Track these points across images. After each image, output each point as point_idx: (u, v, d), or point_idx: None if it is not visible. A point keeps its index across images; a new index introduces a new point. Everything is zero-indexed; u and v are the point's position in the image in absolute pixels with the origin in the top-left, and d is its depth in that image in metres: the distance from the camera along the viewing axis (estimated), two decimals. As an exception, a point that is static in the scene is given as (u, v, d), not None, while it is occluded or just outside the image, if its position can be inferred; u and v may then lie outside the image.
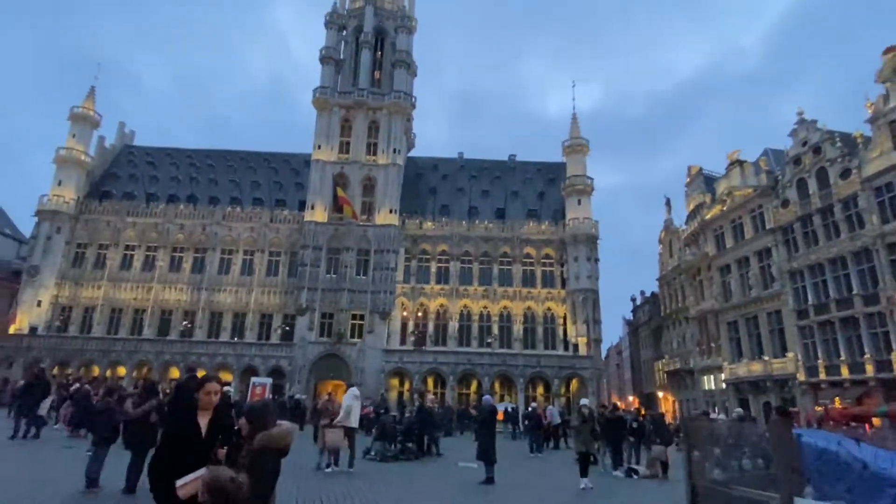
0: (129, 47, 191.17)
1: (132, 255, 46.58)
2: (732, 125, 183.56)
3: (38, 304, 44.65)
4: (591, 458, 10.37)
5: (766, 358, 33.40)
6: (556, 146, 55.53)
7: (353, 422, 11.09)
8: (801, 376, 30.98)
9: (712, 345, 39.87)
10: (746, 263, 35.95)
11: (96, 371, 42.81)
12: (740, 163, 37.34)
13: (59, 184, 47.01)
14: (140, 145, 56.90)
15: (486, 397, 11.25)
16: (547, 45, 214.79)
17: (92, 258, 46.39)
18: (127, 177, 51.91)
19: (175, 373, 43.15)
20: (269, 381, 20.75)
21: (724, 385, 37.51)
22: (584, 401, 9.78)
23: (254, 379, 20.44)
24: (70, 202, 46.63)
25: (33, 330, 44.07)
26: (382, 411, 15.40)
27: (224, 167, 53.30)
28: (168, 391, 12.31)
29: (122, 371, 43.40)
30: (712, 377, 39.93)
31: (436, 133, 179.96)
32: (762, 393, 33.71)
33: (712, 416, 15.55)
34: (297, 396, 23.41)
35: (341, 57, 52.31)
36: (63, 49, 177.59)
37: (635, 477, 12.51)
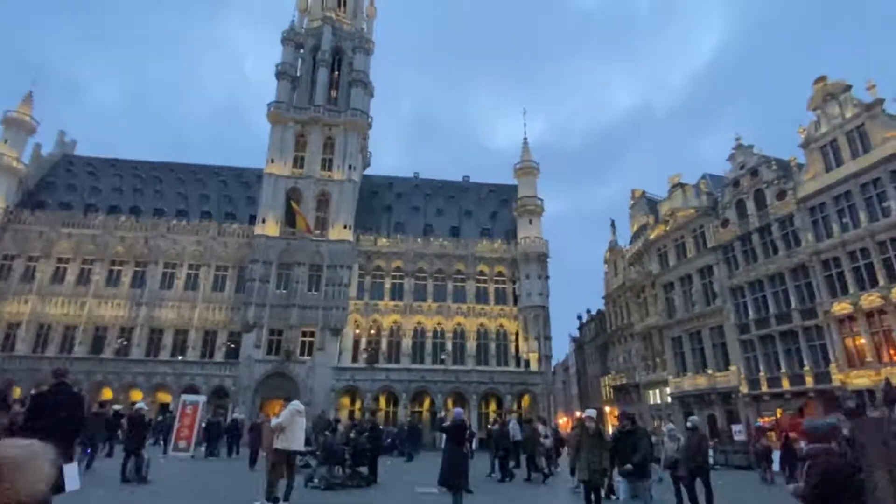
0: (74, 55, 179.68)
1: (65, 269, 41.77)
2: (662, 157, 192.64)
3: (-47, 319, 39.04)
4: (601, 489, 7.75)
5: (710, 371, 32.97)
6: (503, 172, 55.44)
7: (294, 442, 8.87)
8: (744, 389, 30.58)
9: (657, 360, 39.35)
10: (689, 281, 35.79)
11: (18, 393, 37.44)
12: (682, 185, 37.55)
13: (-14, 191, 41.88)
14: (81, 154, 52.10)
15: (458, 410, 9.28)
16: (494, 79, 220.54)
17: (19, 270, 41.25)
18: (65, 186, 47.12)
19: (108, 393, 38.54)
20: (202, 398, 17.92)
21: (669, 399, 36.87)
22: (589, 411, 7.97)
23: (184, 396, 17.58)
24: (-2, 210, 41.57)
25: (-54, 348, 38.38)
26: (328, 433, 13.00)
27: (172, 179, 49.40)
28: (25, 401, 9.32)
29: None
30: (658, 391, 39.29)
31: (389, 156, 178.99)
32: (707, 406, 33.17)
33: (668, 426, 14.07)
34: (236, 415, 20.39)
35: (298, 74, 50.09)
36: (1, 52, 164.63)
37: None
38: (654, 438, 16.79)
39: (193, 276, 42.70)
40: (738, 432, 28.25)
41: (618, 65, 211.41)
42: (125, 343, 40.35)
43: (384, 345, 42.12)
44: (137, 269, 42.43)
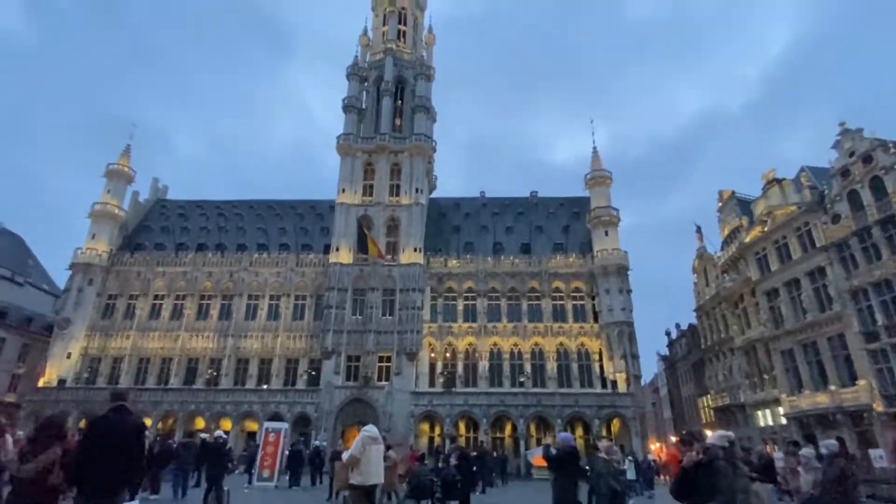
0: (164, 113, 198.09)
1: (160, 305, 44.53)
2: (738, 159, 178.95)
3: (68, 356, 42.49)
4: None
5: (833, 388, 28.71)
6: (568, 188, 53.26)
7: (371, 476, 7.49)
8: (879, 406, 26.22)
9: (765, 376, 35.12)
10: (797, 286, 31.80)
11: (84, 423, 39.82)
12: (778, 181, 33.88)
13: (93, 237, 45.87)
14: (172, 199, 56.19)
15: (564, 435, 7.86)
16: (551, 96, 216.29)
17: (122, 309, 44.47)
18: (159, 229, 50.76)
19: (200, 423, 40.01)
20: (284, 425, 17.57)
21: (783, 420, 32.56)
22: (722, 433, 5.54)
23: (267, 424, 17.34)
24: (103, 255, 45.28)
25: (62, 382, 41.72)
26: (441, 463, 11.71)
27: (252, 216, 51.89)
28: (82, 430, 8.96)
29: (147, 422, 40.34)
30: (768, 412, 34.96)
31: (451, 179, 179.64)
32: (832, 427, 28.74)
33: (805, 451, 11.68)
34: (317, 443, 19.76)
35: (363, 106, 51.44)
36: (101, 112, 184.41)
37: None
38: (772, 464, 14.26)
39: (275, 306, 44.00)
40: (880, 458, 24.01)
41: (680, 69, 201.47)
42: (215, 374, 41.97)
43: (460, 368, 40.92)
44: (224, 301, 44.38)
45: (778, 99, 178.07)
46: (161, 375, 42.35)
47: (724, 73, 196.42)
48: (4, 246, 52.00)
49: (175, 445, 14.45)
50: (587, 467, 11.93)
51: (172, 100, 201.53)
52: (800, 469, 12.68)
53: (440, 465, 11.78)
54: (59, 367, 42.13)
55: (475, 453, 12.75)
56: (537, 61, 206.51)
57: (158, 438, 13.95)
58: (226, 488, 11.21)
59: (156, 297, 44.82)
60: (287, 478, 19.86)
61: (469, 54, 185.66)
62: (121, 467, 4.59)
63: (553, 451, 7.44)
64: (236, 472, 28.67)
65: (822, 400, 29.16)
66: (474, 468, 12.25)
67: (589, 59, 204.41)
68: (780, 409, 32.81)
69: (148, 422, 39.99)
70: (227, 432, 39.49)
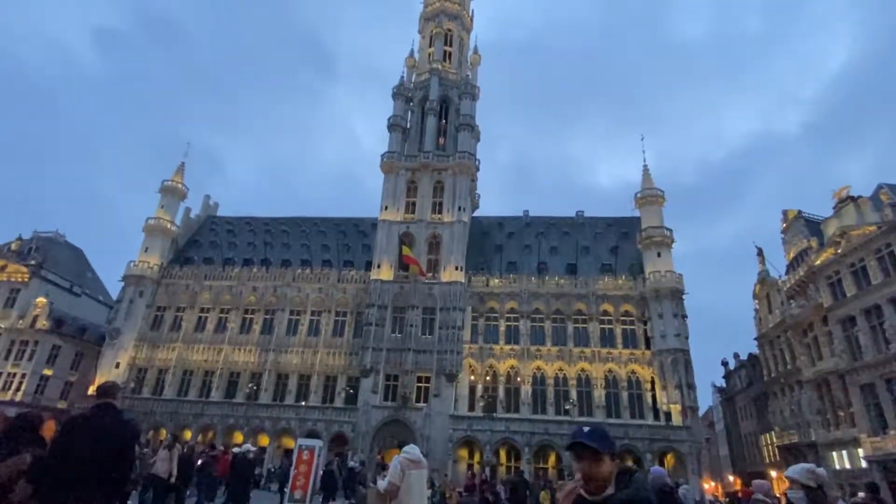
0: (218, 136, 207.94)
1: (206, 318, 45.11)
2: (792, 185, 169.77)
3: (117, 365, 43.40)
4: None
5: (926, 429, 25.39)
6: (612, 211, 50.94)
7: None
8: None
9: (840, 413, 31.70)
10: (879, 313, 28.68)
11: (163, 434, 40.08)
12: (853, 199, 31.08)
13: (146, 251, 47.29)
14: (222, 215, 57.64)
15: (657, 469, 6.32)
16: (594, 120, 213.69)
17: (169, 321, 45.33)
18: (208, 244, 51.95)
19: (239, 437, 39.74)
20: (318, 443, 16.56)
21: (863, 463, 29.07)
22: (807, 467, 4.28)
23: (300, 441, 16.46)
24: (154, 268, 46.54)
25: (110, 391, 42.52)
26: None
27: (297, 232, 52.41)
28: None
29: (188, 434, 40.37)
30: (844, 453, 31.41)
31: (495, 200, 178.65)
32: (925, 475, 25.35)
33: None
34: (352, 464, 18.50)
35: (408, 125, 51.58)
36: (161, 135, 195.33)
37: None
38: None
39: (315, 322, 43.76)
40: None
41: (729, 91, 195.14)
42: (255, 388, 41.83)
43: (501, 392, 39.10)
44: (267, 316, 44.53)
45: (836, 120, 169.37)
46: (203, 388, 42.57)
47: (775, 95, 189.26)
48: (65, 258, 54.45)
49: (199, 460, 13.65)
50: None
51: (226, 124, 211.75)
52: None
53: (488, 495, 10.41)
54: (107, 375, 42.96)
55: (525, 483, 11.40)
56: (580, 85, 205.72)
57: (188, 451, 13.36)
58: (251, 509, 10.25)
59: (202, 309, 45.48)
60: (321, 500, 18.82)
61: (513, 77, 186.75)
62: (102, 480, 3.63)
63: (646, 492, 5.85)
64: (270, 489, 27.90)
65: (912, 442, 25.80)
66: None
67: (634, 83, 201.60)
68: (860, 451, 29.36)
69: (188, 435, 40.12)
70: (263, 448, 39.20)
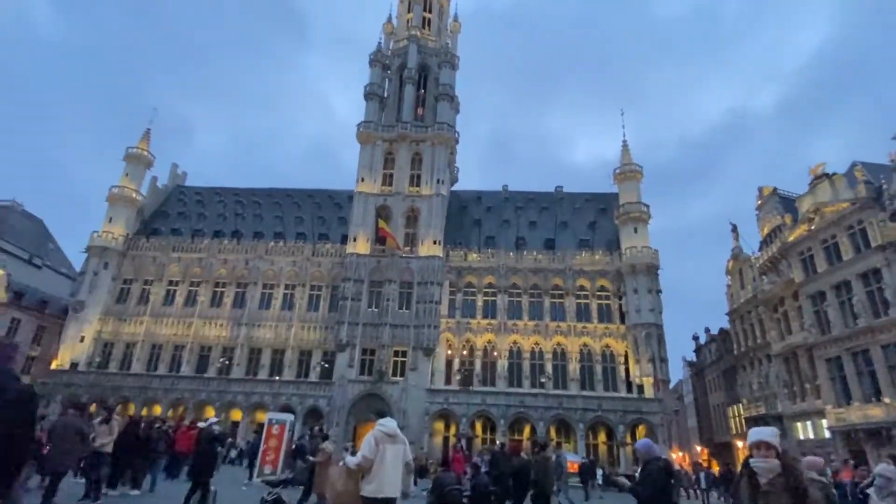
0: (187, 104, 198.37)
1: (175, 291, 43.63)
2: (768, 162, 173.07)
3: (81, 339, 41.88)
4: None
5: (888, 400, 26.11)
6: (590, 188, 50.53)
7: (388, 486, 5.57)
8: (943, 424, 23.63)
9: (806, 386, 32.50)
10: (848, 288, 29.17)
11: (132, 409, 38.99)
12: (828, 176, 31.27)
13: (110, 221, 45.23)
14: (191, 185, 55.43)
15: (645, 441, 5.76)
16: (573, 95, 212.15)
17: (136, 294, 43.72)
18: (176, 214, 49.97)
19: (211, 412, 38.88)
20: (289, 417, 16.01)
21: (827, 433, 29.98)
22: (763, 431, 3.20)
23: (269, 415, 15.81)
24: (119, 239, 44.59)
25: (74, 366, 41.10)
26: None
27: (269, 204, 50.76)
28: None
29: (157, 409, 39.38)
30: (809, 424, 32.36)
31: (473, 174, 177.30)
32: (885, 444, 26.02)
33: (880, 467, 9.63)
34: (298, 441, 17.07)
35: (385, 94, 49.95)
36: (125, 102, 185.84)
37: None
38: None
39: (289, 296, 42.75)
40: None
41: (706, 68, 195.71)
42: (227, 363, 40.86)
43: (478, 366, 39.04)
44: (238, 290, 43.29)
45: (811, 98, 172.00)
46: (173, 363, 41.42)
47: (752, 72, 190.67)
48: (24, 228, 51.83)
49: (147, 432, 12.90)
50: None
51: (195, 90, 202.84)
52: (871, 492, 10.57)
53: (466, 472, 9.98)
54: (72, 350, 41.53)
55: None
56: (560, 59, 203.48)
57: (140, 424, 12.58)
58: (213, 488, 9.59)
59: (170, 282, 43.96)
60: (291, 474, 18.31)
61: (492, 49, 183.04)
62: None
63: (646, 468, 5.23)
64: (242, 465, 27.30)
65: (875, 413, 26.56)
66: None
67: (614, 58, 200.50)
68: (824, 422, 30.21)
69: (158, 409, 39.14)
70: (236, 423, 38.58)
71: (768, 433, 3.45)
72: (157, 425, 14.53)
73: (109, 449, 10.51)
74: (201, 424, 16.09)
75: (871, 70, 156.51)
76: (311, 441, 14.70)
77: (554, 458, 12.14)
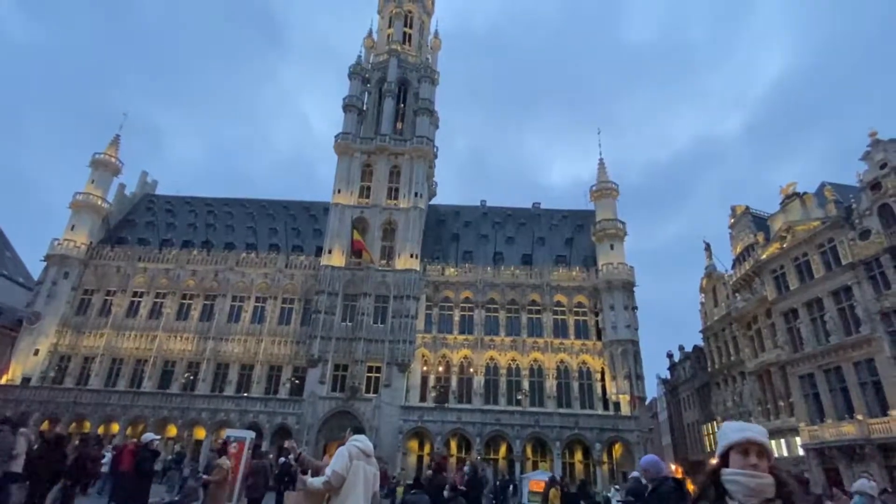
0: (159, 111, 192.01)
1: (139, 302, 41.58)
2: (736, 185, 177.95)
3: (36, 353, 39.40)
4: None
5: (860, 417, 26.14)
6: (568, 204, 50.79)
7: None
8: (915, 441, 23.67)
9: (780, 403, 32.53)
10: (820, 306, 29.44)
11: (87, 427, 36.66)
12: (799, 195, 31.79)
13: (73, 229, 43.12)
14: (161, 194, 53.54)
15: (652, 458, 5.10)
16: (548, 117, 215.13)
17: (98, 305, 41.51)
18: (144, 224, 48.01)
19: (173, 430, 36.89)
20: (249, 434, 14.76)
21: (801, 451, 29.87)
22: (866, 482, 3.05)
23: (229, 432, 14.68)
24: (81, 247, 42.47)
25: (26, 381, 38.53)
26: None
27: (242, 215, 49.30)
28: None
29: (115, 428, 37.13)
30: (783, 441, 32.22)
31: (451, 190, 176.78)
32: (858, 461, 26.09)
33: (859, 482, 9.09)
34: (284, 459, 15.96)
35: (364, 107, 49.41)
36: (93, 108, 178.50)
37: None
38: None
39: (260, 308, 41.19)
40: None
41: (675, 94, 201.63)
42: (192, 378, 38.92)
43: (454, 382, 38.06)
44: (207, 302, 41.55)
45: (776, 125, 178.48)
46: (134, 378, 39.24)
47: (720, 98, 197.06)
48: (-21, 235, 49.05)
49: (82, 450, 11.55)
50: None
51: (168, 98, 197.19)
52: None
53: (446, 493, 9.08)
54: (24, 364, 39.00)
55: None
56: (536, 83, 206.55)
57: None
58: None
59: (135, 293, 41.92)
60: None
61: (470, 70, 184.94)
62: None
63: (643, 481, 4.69)
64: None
65: (848, 430, 26.52)
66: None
67: (588, 83, 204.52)
68: (798, 440, 30.14)
69: (116, 427, 36.94)
70: (199, 442, 36.53)
71: (760, 431, 2.10)
72: (93, 444, 13.12)
73: (18, 468, 9.07)
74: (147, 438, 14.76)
75: (833, 97, 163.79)
76: (253, 457, 13.49)
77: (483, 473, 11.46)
